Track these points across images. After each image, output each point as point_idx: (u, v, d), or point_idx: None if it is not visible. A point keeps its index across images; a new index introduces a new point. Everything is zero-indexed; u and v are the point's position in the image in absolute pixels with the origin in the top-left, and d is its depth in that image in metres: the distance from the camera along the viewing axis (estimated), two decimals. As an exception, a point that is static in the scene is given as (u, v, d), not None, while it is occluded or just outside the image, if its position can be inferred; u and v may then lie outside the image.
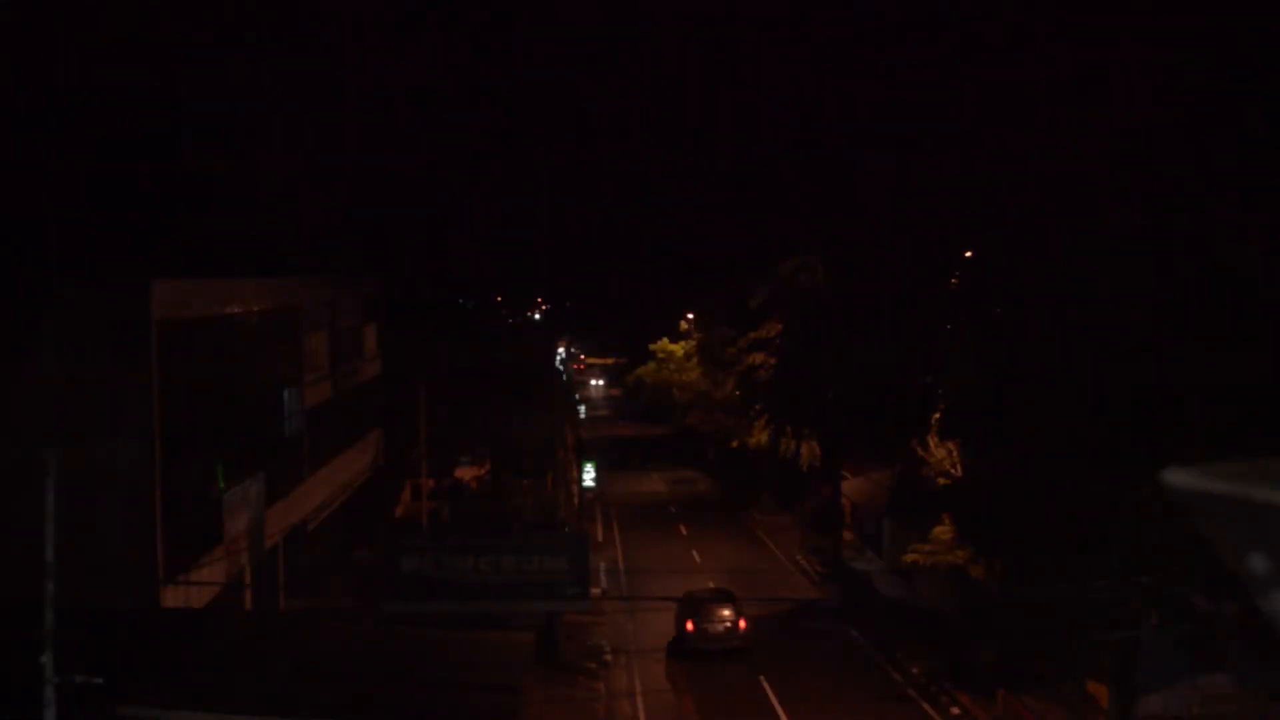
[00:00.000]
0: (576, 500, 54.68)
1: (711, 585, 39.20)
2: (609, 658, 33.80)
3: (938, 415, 32.80)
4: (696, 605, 35.04)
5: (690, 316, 73.71)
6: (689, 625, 34.62)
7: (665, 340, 74.64)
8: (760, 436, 51.29)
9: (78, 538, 19.35)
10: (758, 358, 50.46)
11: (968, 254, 36.90)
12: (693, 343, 70.81)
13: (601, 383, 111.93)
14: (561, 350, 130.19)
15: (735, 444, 60.35)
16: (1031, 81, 30.96)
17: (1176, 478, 1.40)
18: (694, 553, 48.91)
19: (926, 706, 30.08)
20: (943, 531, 30.93)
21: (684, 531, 54.18)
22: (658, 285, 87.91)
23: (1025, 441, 25.00)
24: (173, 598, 26.42)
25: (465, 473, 56.33)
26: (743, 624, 34.80)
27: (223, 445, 30.41)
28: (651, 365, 76.37)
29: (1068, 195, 26.76)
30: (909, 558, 33.24)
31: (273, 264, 39.39)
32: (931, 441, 32.52)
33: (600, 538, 51.03)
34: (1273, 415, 21.22)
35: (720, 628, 34.46)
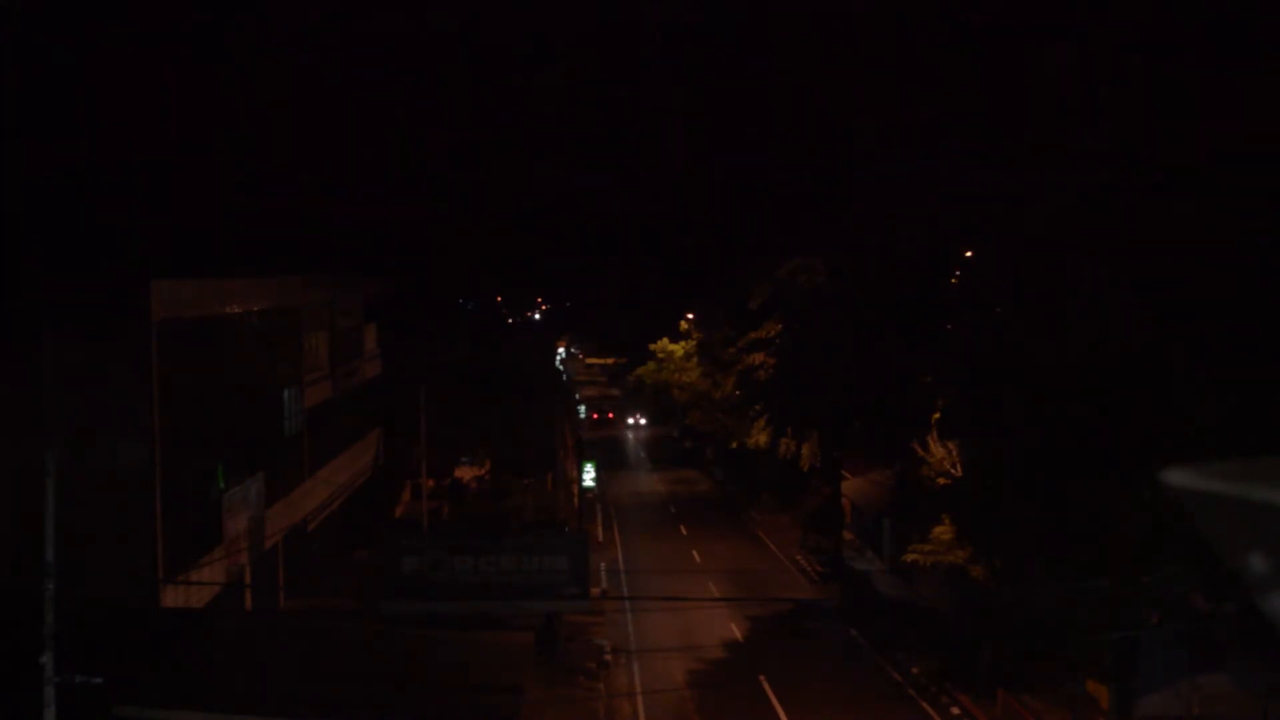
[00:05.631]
0: (576, 500, 54.68)
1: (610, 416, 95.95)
2: (609, 658, 33.81)
3: (938, 415, 32.79)
4: (599, 408, 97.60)
5: (690, 316, 73.68)
6: (594, 415, 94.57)
7: (665, 340, 74.60)
8: (760, 437, 51.27)
9: (78, 538, 19.36)
10: (758, 358, 50.42)
11: (968, 254, 36.90)
12: (693, 343, 70.77)
13: (644, 421, 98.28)
14: (561, 350, 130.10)
15: (735, 444, 60.34)
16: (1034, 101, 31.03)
17: (1176, 478, 1.40)
18: (694, 552, 48.92)
19: (926, 706, 30.08)
20: (943, 531, 30.90)
21: (684, 531, 54.19)
22: (658, 285, 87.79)
23: (1025, 442, 24.99)
24: (173, 598, 26.43)
25: (465, 473, 56.33)
26: (610, 415, 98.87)
27: (223, 445, 30.42)
28: (651, 365, 76.33)
29: (1069, 199, 26.76)
30: (909, 558, 33.23)
31: (273, 264, 39.37)
32: (931, 441, 32.49)
33: (600, 538, 51.03)
34: (1273, 415, 21.22)
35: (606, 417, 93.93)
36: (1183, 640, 26.04)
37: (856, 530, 47.77)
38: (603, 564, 44.51)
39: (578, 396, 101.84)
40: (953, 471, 31.28)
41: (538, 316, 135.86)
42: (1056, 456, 23.71)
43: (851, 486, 46.82)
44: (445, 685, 21.00)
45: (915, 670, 32.50)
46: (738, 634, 36.88)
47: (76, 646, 16.33)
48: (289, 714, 19.24)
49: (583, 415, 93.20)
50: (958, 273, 37.65)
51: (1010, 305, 29.39)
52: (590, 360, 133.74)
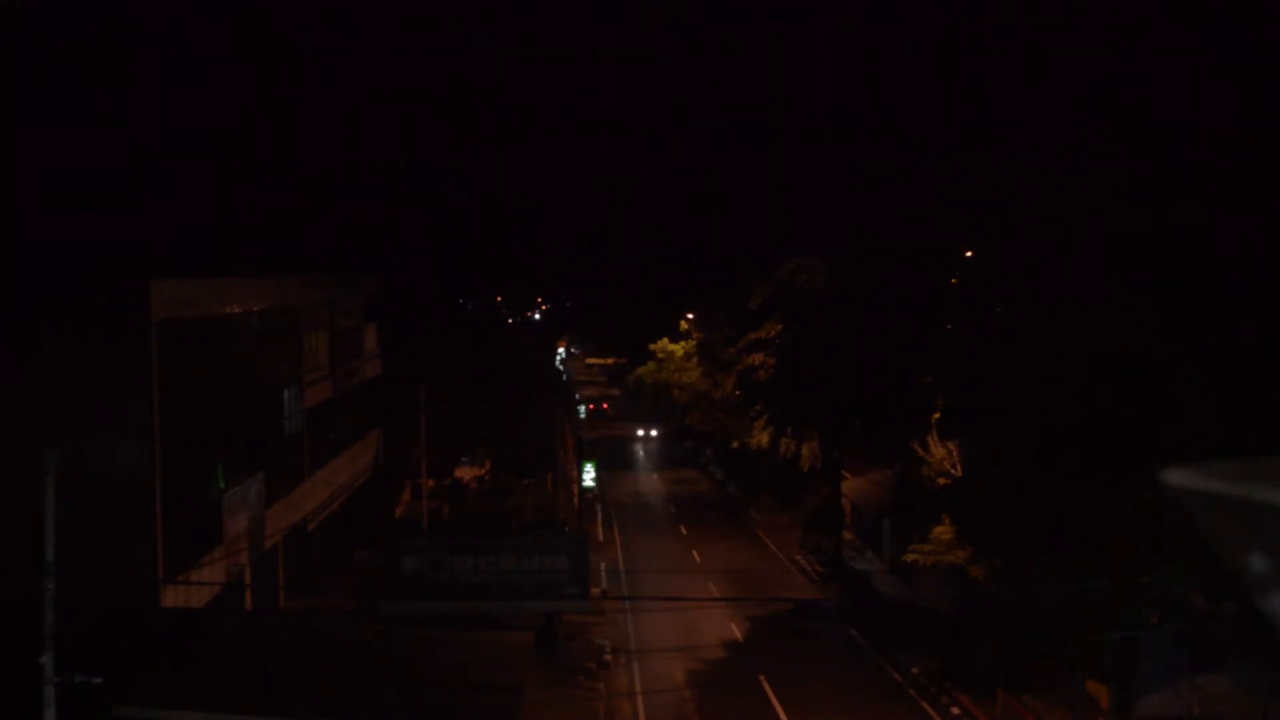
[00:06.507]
0: (576, 500, 54.67)
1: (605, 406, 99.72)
2: (609, 658, 33.81)
3: (938, 415, 32.80)
4: (596, 403, 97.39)
5: (690, 316, 73.71)
6: (590, 407, 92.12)
7: (665, 340, 74.61)
8: (760, 437, 51.28)
9: (78, 538, 19.36)
10: (758, 358, 50.44)
11: (968, 254, 36.91)
12: (693, 343, 70.79)
13: (655, 433, 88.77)
14: (561, 350, 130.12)
15: (735, 444, 60.35)
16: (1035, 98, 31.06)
17: (1176, 478, 1.39)
18: (694, 552, 48.92)
19: (926, 706, 30.08)
20: (943, 531, 30.92)
21: (684, 531, 54.20)
22: (658, 285, 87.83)
23: (1024, 442, 24.99)
24: (173, 598, 26.43)
25: (465, 473, 56.32)
26: (605, 406, 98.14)
27: (223, 445, 30.42)
28: (651, 365, 76.34)
29: (1069, 200, 26.75)
30: (909, 558, 33.25)
31: (273, 264, 39.39)
32: (931, 441, 32.50)
33: (600, 538, 51.03)
34: (1273, 415, 21.22)
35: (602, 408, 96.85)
36: (1183, 640, 26.05)
37: (856, 530, 47.78)
38: (603, 564, 44.51)
39: (578, 396, 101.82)
40: (953, 471, 31.29)
41: (538, 316, 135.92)
42: (1056, 456, 23.70)
43: (851, 486, 46.82)
44: (445, 685, 21.00)
45: (915, 670, 32.50)
46: (738, 634, 36.88)
47: (76, 646, 16.33)
48: (289, 714, 19.24)
49: (583, 415, 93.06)
50: (958, 273, 37.66)
51: (1010, 305, 29.40)
52: (590, 360, 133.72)
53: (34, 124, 35.41)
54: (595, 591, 36.54)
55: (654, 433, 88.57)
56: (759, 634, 36.92)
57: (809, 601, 40.78)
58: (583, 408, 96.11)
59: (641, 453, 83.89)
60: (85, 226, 35.37)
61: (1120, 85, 27.20)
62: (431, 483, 49.91)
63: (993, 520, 26.36)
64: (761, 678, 32.02)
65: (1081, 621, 24.35)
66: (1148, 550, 22.47)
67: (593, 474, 57.57)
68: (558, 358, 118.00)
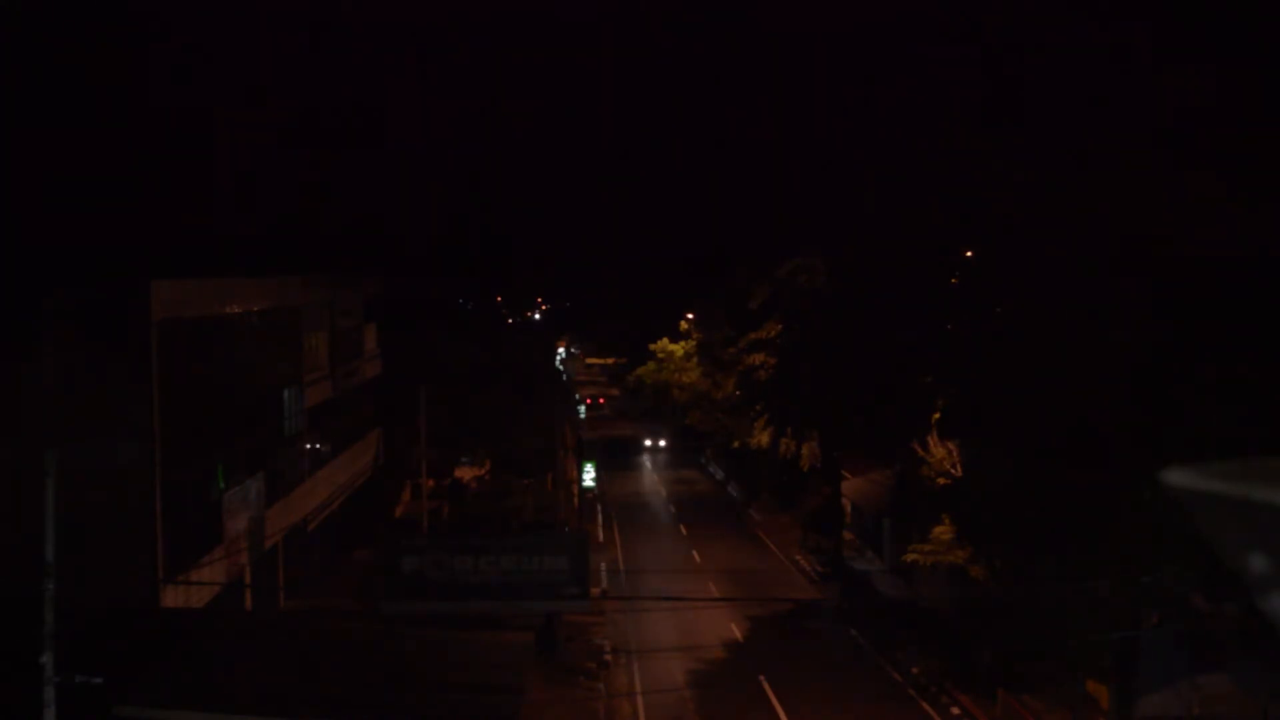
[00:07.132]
0: (576, 500, 54.66)
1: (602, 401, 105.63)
2: (609, 658, 33.81)
3: (938, 415, 32.78)
4: (595, 398, 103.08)
5: (690, 316, 73.69)
6: (588, 400, 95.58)
7: (665, 340, 74.59)
8: (760, 437, 51.29)
9: (78, 538, 19.36)
10: (758, 358, 50.43)
11: (968, 254, 36.89)
12: (693, 343, 70.78)
13: (663, 443, 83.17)
14: (561, 350, 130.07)
15: (735, 444, 60.35)
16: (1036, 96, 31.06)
17: (1176, 478, 1.39)
18: (694, 552, 48.92)
19: (926, 706, 30.08)
20: (943, 531, 30.90)
21: (684, 531, 54.20)
22: (658, 285, 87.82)
23: (1024, 442, 24.98)
24: (173, 598, 26.43)
25: (465, 473, 56.30)
26: (602, 400, 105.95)
27: (223, 445, 30.41)
28: (651, 365, 76.32)
29: (1069, 199, 26.74)
30: (909, 558, 33.22)
31: (273, 264, 39.38)
32: (931, 441, 32.49)
33: (600, 538, 51.03)
34: (1273, 415, 21.21)
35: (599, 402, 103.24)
36: (1183, 640, 26.04)
37: (856, 530, 47.77)
38: (603, 564, 44.51)
39: (578, 396, 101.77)
40: (953, 471, 31.27)
41: (538, 316, 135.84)
42: (1056, 457, 23.69)
43: (851, 486, 46.81)
44: (445, 685, 21.00)
45: (915, 670, 32.50)
46: (738, 634, 36.88)
47: (76, 646, 16.33)
48: (289, 714, 19.24)
49: (583, 415, 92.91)
50: (958, 273, 37.64)
51: (1010, 305, 29.38)
52: (590, 360, 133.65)
53: (34, 124, 35.39)
54: (595, 591, 36.53)
55: (662, 443, 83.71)
56: (759, 634, 36.92)
57: (809, 601, 40.78)
58: (582, 406, 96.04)
59: (642, 453, 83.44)
60: (85, 226, 35.36)
61: (1122, 85, 27.18)
62: (431, 483, 49.90)
63: (993, 520, 26.34)
64: (761, 678, 32.02)
65: (1081, 621, 24.34)
66: (1148, 550, 22.45)
67: (593, 474, 57.54)
68: (558, 358, 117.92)
